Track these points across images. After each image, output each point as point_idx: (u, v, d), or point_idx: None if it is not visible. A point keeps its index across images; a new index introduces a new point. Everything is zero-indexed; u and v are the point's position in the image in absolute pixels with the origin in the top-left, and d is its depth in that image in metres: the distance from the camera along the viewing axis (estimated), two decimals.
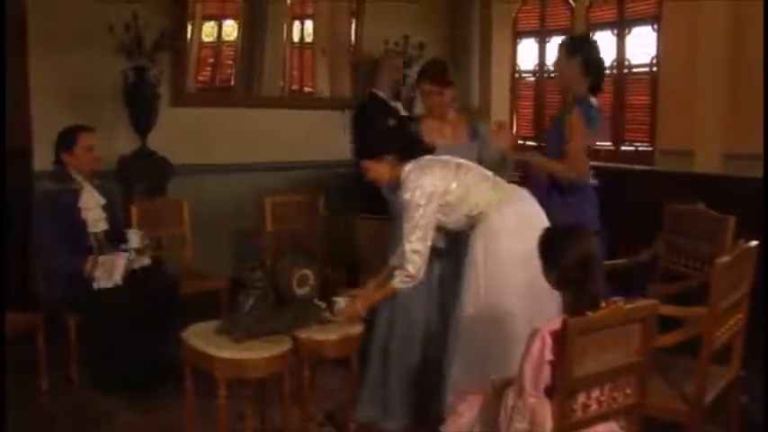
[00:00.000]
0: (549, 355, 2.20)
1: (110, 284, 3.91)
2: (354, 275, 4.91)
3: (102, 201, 4.17)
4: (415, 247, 3.10)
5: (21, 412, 3.70)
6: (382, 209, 3.88)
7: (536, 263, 2.43)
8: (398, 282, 3.15)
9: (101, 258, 3.96)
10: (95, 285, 3.91)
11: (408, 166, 3.21)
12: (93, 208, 4.10)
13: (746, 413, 3.33)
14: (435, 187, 3.12)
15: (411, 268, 3.10)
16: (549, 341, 2.20)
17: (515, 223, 3.11)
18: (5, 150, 4.42)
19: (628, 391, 2.30)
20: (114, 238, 4.13)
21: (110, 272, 3.92)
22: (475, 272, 3.14)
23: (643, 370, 2.31)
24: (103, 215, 4.14)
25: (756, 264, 3.00)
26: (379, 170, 3.27)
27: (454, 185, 3.15)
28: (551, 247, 2.39)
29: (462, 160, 3.29)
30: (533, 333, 2.26)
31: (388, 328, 3.61)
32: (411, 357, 3.57)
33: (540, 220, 3.08)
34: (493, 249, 3.12)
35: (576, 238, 2.36)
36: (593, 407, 2.23)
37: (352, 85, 6.40)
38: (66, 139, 4.10)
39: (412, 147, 3.29)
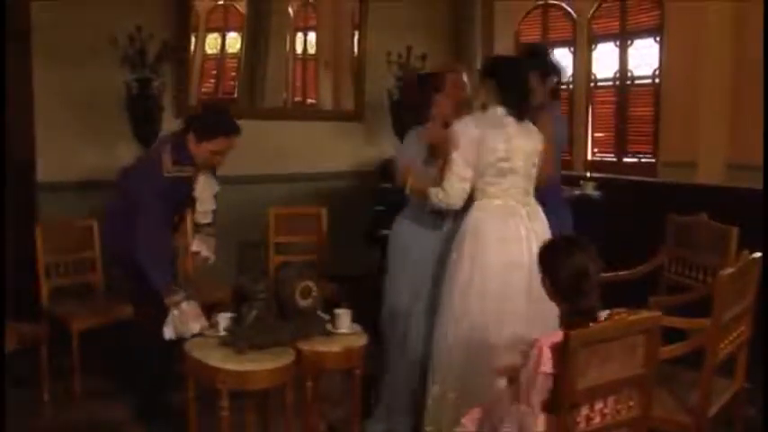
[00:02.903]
0: (545, 367, 2.21)
1: (169, 336, 3.42)
2: (356, 288, 4.90)
3: (217, 188, 3.84)
4: (457, 173, 3.14)
5: (23, 423, 3.70)
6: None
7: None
8: (434, 191, 3.21)
9: (184, 305, 3.39)
10: (164, 333, 3.42)
11: (491, 112, 3.21)
12: (206, 199, 3.81)
13: (752, 425, 3.31)
14: (480, 134, 3.13)
15: (446, 185, 3.16)
16: (546, 352, 2.21)
17: (499, 234, 3.14)
18: (5, 155, 4.41)
19: (631, 403, 2.29)
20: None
21: (184, 324, 3.37)
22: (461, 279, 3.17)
23: (647, 382, 2.30)
24: (213, 206, 3.87)
25: (759, 275, 3.00)
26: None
27: (501, 153, 3.15)
28: (549, 259, 2.41)
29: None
30: (531, 343, 2.27)
31: (400, 352, 3.62)
32: (415, 380, 3.57)
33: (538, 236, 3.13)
34: (481, 259, 3.14)
35: (573, 251, 2.37)
36: (597, 419, 2.23)
37: (355, 97, 6.41)
38: (206, 129, 3.59)
39: (518, 101, 3.22)
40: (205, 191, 3.80)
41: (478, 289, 3.12)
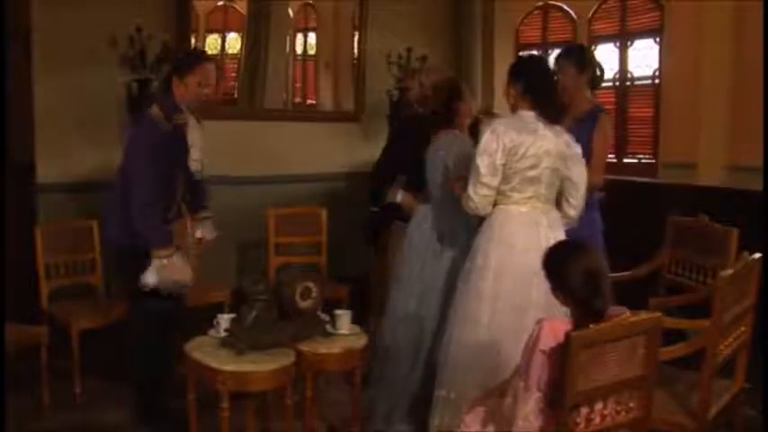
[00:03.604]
0: (544, 346, 2.22)
1: (151, 284, 3.47)
2: (356, 289, 4.90)
3: (200, 133, 3.82)
4: (484, 180, 3.12)
5: (23, 425, 3.69)
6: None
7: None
8: (463, 197, 3.20)
9: (174, 257, 3.50)
10: (142, 277, 3.46)
11: (521, 114, 3.19)
12: (197, 145, 3.76)
13: (752, 426, 3.31)
14: (512, 141, 3.09)
15: (472, 192, 3.14)
16: (546, 332, 2.23)
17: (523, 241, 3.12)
18: (5, 156, 4.41)
19: (632, 404, 2.29)
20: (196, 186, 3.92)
21: (170, 273, 3.47)
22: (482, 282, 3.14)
23: (647, 383, 2.30)
24: (200, 154, 3.83)
25: (759, 276, 3.00)
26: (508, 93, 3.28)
27: (529, 155, 3.12)
28: (556, 265, 2.40)
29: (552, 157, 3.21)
30: (536, 323, 2.30)
31: (404, 355, 3.64)
32: (415, 384, 3.58)
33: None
34: (504, 262, 3.13)
35: (580, 254, 2.37)
36: (597, 420, 2.23)
37: (355, 98, 6.41)
38: (184, 64, 3.65)
39: (548, 102, 3.21)
40: (197, 138, 3.79)
41: (502, 297, 3.09)
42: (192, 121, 3.74)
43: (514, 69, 3.32)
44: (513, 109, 3.25)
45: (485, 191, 3.12)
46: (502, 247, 3.12)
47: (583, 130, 3.64)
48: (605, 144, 3.88)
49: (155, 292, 3.54)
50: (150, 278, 3.46)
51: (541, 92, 3.20)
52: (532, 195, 3.16)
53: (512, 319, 3.05)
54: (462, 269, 3.28)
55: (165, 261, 3.46)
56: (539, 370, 2.24)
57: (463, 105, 3.74)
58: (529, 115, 3.17)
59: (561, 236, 3.19)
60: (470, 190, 3.14)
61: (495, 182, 3.11)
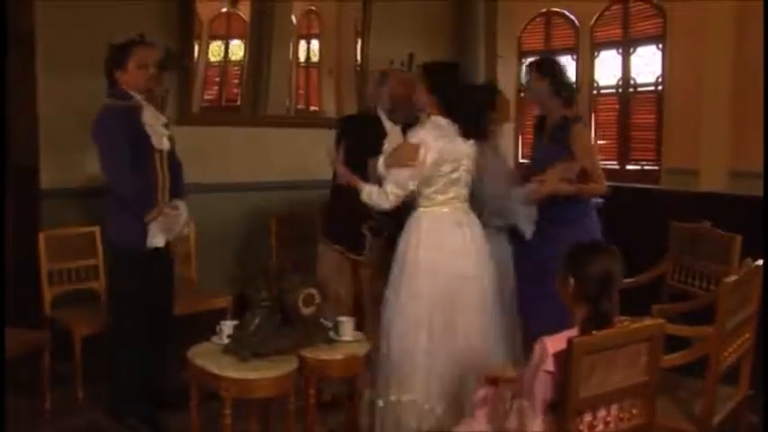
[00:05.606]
0: (549, 367, 2.21)
1: (161, 243, 3.76)
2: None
3: (164, 119, 3.99)
4: (402, 183, 3.24)
5: (24, 430, 3.69)
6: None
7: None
8: (372, 190, 3.31)
9: (167, 209, 3.79)
10: (149, 242, 3.73)
11: (436, 120, 3.30)
12: (156, 124, 3.88)
13: None
14: (439, 152, 3.22)
15: (388, 189, 3.25)
16: (549, 353, 2.22)
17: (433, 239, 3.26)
18: (8, 161, 4.42)
19: (635, 411, 2.29)
20: (174, 163, 4.01)
21: (170, 224, 3.79)
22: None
23: (650, 390, 2.30)
24: (167, 132, 3.93)
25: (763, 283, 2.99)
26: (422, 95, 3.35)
27: (452, 159, 3.27)
28: (577, 258, 2.40)
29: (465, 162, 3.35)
30: (537, 343, 2.28)
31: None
32: None
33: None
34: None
35: (602, 253, 2.38)
36: (600, 427, 2.22)
37: (358, 104, 6.41)
38: (119, 56, 3.87)
39: (461, 114, 3.32)
40: (152, 117, 3.91)
41: (437, 299, 3.21)
42: (144, 104, 3.91)
43: (428, 74, 3.39)
44: (428, 113, 3.35)
45: (399, 191, 3.24)
46: (431, 249, 3.24)
47: (556, 143, 3.79)
48: (590, 151, 3.87)
49: (141, 297, 3.75)
50: (156, 240, 3.74)
51: (455, 104, 3.31)
52: (454, 196, 3.31)
53: (444, 322, 3.19)
54: (391, 277, 3.35)
55: (159, 219, 3.74)
56: (543, 390, 2.24)
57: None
58: (445, 122, 3.30)
59: (481, 234, 3.37)
60: (387, 187, 3.25)
61: (412, 186, 3.24)
